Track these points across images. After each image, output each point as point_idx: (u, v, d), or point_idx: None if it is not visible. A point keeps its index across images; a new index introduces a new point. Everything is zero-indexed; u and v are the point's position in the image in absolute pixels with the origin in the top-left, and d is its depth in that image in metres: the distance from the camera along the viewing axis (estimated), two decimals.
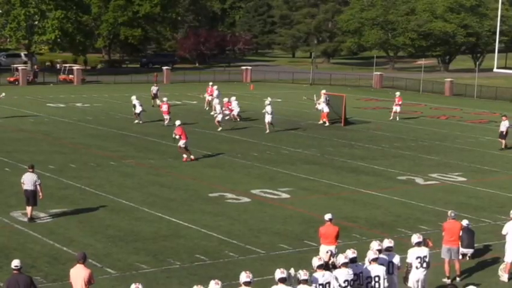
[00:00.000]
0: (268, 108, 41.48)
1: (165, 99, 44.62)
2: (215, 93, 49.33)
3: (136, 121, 44.19)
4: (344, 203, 26.42)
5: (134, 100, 44.76)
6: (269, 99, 42.81)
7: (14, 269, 14.69)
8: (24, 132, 40.27)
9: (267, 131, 41.18)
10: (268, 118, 41.43)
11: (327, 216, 18.24)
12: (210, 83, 53.44)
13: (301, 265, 17.15)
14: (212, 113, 46.73)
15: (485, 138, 42.14)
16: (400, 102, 49.00)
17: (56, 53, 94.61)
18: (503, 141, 38.52)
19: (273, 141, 39.11)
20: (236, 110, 45.86)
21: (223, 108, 44.15)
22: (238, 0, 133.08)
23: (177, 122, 34.15)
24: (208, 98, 51.36)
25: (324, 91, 48.16)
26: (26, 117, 45.48)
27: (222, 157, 34.41)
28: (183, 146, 33.27)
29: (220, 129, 41.64)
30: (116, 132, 40.76)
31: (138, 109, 44.36)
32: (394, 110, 49.14)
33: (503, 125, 38.59)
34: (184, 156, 33.28)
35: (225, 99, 45.39)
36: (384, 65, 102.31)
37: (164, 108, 43.46)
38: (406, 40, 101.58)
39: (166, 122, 43.01)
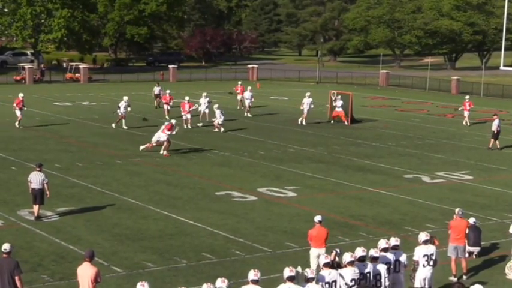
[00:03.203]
0: (217, 112, 40.99)
1: (187, 98, 43.14)
2: (247, 94, 49.50)
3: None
4: (351, 202, 26.40)
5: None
6: (217, 104, 42.05)
7: (4, 253, 14.97)
8: (30, 131, 40.32)
9: (222, 129, 40.71)
10: (219, 120, 40.97)
11: (317, 218, 17.85)
12: (239, 82, 54.01)
13: (308, 264, 17.17)
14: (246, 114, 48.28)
15: None
16: (470, 107, 46.62)
17: (62, 52, 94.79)
18: (492, 141, 37.90)
19: (280, 139, 39.10)
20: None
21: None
22: None
23: None
24: (239, 97, 51.87)
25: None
26: (32, 116, 45.52)
27: (228, 155, 34.40)
28: None
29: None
30: (122, 131, 40.78)
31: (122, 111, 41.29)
32: (465, 115, 46.66)
33: (494, 124, 38.00)
34: None
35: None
36: (390, 63, 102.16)
37: (186, 108, 42.21)
38: (413, 38, 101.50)
39: (188, 123, 42.04)
